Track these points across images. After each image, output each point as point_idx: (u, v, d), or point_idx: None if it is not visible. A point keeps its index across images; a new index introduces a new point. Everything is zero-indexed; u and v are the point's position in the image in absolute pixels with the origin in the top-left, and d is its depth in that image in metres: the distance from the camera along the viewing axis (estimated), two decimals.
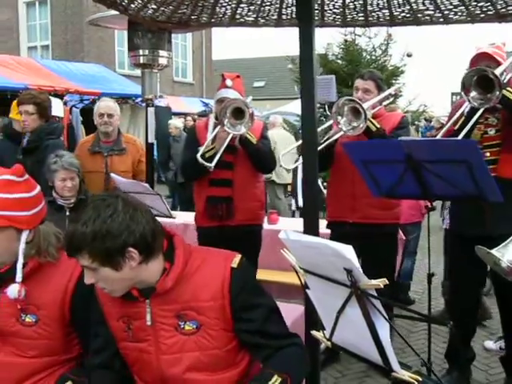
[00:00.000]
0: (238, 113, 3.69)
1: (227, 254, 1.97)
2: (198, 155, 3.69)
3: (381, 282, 1.25)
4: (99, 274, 1.78)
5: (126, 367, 2.06)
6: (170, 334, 1.90)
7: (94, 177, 4.51)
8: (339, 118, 3.47)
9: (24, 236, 2.11)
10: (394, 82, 11.32)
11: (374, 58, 11.30)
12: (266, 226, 4.70)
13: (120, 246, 1.73)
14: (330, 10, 3.06)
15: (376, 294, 1.30)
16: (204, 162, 3.69)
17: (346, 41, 11.04)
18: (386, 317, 1.33)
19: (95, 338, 2.08)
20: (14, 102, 4.70)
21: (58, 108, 8.18)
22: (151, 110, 4.04)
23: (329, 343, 1.63)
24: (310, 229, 2.25)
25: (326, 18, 3.10)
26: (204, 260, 1.93)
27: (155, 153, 7.89)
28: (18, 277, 2.11)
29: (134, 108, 10.27)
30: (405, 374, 1.29)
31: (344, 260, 1.35)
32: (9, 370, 2.19)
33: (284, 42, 8.11)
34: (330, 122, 3.79)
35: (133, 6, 2.95)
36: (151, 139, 4.04)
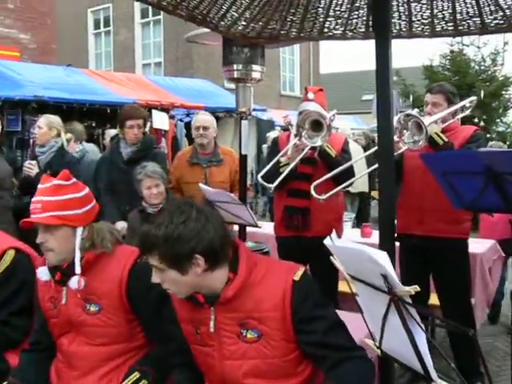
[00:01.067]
0: (317, 125, 3.79)
1: (291, 266, 2.03)
2: (259, 176, 3.90)
3: (412, 289, 1.25)
4: (166, 275, 1.89)
5: None
6: (233, 341, 1.99)
7: (193, 187, 4.72)
8: (404, 131, 3.48)
9: (79, 232, 2.33)
10: (504, 93, 10.86)
11: (482, 68, 10.91)
12: (359, 239, 4.68)
13: (188, 251, 1.84)
14: (418, 20, 3.02)
15: (410, 301, 1.30)
16: (264, 183, 3.88)
17: (451, 51, 10.73)
18: (422, 325, 1.32)
19: (172, 341, 2.21)
20: None
21: (163, 121, 8.58)
22: (245, 122, 4.15)
23: (379, 351, 1.62)
24: (386, 241, 2.23)
25: (414, 29, 3.07)
26: (268, 271, 2.00)
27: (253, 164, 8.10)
28: (77, 269, 2.33)
29: (237, 121, 10.51)
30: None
31: (379, 266, 1.35)
32: (83, 358, 2.40)
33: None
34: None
35: (223, 23, 3.06)
36: (244, 151, 4.14)
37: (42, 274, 2.42)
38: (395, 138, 3.61)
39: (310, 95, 3.96)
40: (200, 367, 2.15)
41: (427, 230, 3.77)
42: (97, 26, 21.62)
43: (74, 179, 2.41)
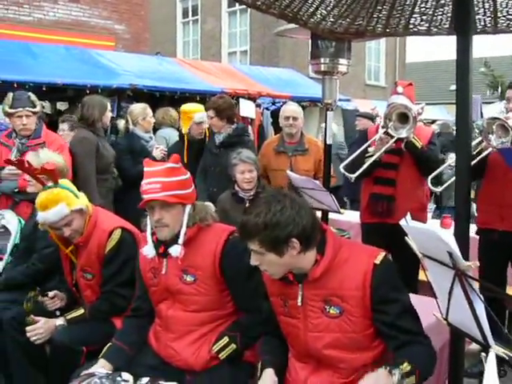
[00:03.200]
0: (403, 118, 3.93)
1: (373, 250, 2.25)
2: (341, 166, 4.10)
3: (472, 264, 1.43)
4: (264, 258, 2.14)
5: None
6: (317, 315, 2.22)
7: (279, 175, 5.00)
8: (489, 135, 3.53)
9: (187, 209, 2.63)
10: None
11: None
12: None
13: (285, 236, 2.08)
14: (504, 16, 3.09)
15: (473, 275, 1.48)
16: (345, 173, 4.07)
17: None
18: (481, 296, 1.49)
19: (259, 312, 2.50)
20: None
21: (250, 110, 8.83)
22: (330, 113, 4.31)
23: (445, 322, 1.80)
24: (461, 234, 2.35)
25: (499, 25, 3.14)
26: (351, 254, 2.22)
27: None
28: (181, 240, 2.63)
29: (322, 111, 10.63)
30: (498, 350, 1.44)
31: (445, 244, 1.52)
32: (178, 322, 2.69)
33: (480, 44, 7.91)
34: (478, 139, 3.84)
35: (312, 20, 3.24)
36: (329, 141, 4.32)
37: (148, 251, 2.73)
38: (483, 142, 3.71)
39: (399, 89, 4.12)
40: (286, 336, 2.40)
41: (509, 226, 3.82)
42: (185, 14, 22.14)
43: (180, 163, 2.71)
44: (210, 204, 4.65)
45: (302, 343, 2.29)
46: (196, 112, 5.58)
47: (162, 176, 2.58)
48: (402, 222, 1.74)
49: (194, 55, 21.53)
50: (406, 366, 1.97)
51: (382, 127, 4.07)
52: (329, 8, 3.17)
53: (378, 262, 2.15)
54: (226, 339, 2.64)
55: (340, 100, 10.87)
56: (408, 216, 1.74)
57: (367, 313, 2.15)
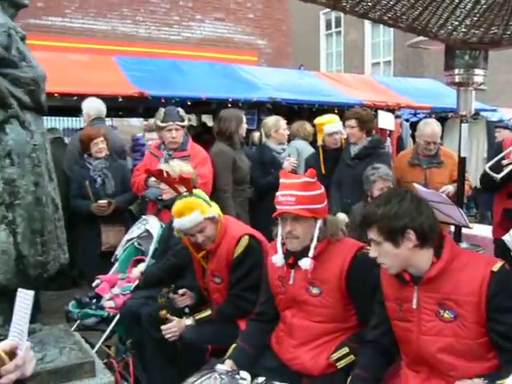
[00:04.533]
0: None
1: (491, 259, 2.24)
2: (487, 166, 3.86)
3: None
4: (382, 248, 2.21)
5: (393, 345, 2.43)
6: (431, 319, 2.23)
7: (413, 187, 4.91)
8: None
9: (319, 223, 2.70)
10: None
11: None
12: None
13: (402, 226, 2.17)
14: None
15: None
16: (490, 173, 3.85)
17: None
18: None
19: (373, 316, 2.50)
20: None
21: (388, 121, 8.74)
22: (465, 126, 4.17)
23: None
24: None
25: None
26: (469, 260, 2.23)
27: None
28: (311, 253, 2.71)
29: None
30: None
31: None
32: (302, 330, 2.79)
33: None
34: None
35: (442, 31, 3.22)
36: (464, 153, 4.19)
37: (277, 260, 2.85)
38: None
39: None
40: (399, 343, 2.41)
41: None
42: (328, 26, 22.30)
43: (316, 177, 2.81)
44: (342, 217, 4.71)
45: (414, 348, 2.31)
46: (327, 124, 5.66)
47: (298, 189, 2.69)
48: (506, 237, 1.71)
49: (337, 66, 21.61)
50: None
51: None
52: (460, 18, 3.12)
53: (495, 269, 2.15)
54: (346, 349, 2.70)
55: (485, 110, 10.42)
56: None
57: (482, 320, 2.13)
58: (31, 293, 1.55)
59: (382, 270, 2.40)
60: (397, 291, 2.35)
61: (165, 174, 3.48)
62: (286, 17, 14.09)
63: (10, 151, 2.97)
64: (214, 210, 3.43)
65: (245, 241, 3.34)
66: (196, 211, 3.29)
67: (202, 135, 9.00)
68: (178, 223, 3.37)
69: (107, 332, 4.25)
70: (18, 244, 2.99)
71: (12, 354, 1.46)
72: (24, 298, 1.54)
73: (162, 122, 5.05)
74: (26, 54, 3.10)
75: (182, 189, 3.48)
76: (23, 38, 3.16)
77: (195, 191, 3.44)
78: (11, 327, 1.55)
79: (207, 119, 10.56)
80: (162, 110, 5.17)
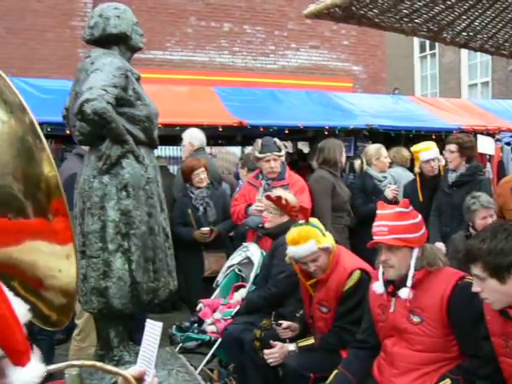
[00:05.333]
0: None
1: None
2: None
3: None
4: (486, 284, 2.19)
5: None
6: None
7: None
8: None
9: (415, 252, 2.70)
10: None
11: None
12: None
13: (508, 263, 2.13)
14: None
15: None
16: None
17: None
18: None
19: (482, 354, 2.47)
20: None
21: (488, 146, 8.50)
22: None
23: None
24: None
25: None
26: None
27: None
28: (409, 282, 2.73)
29: None
30: None
31: None
32: (403, 359, 2.80)
33: None
34: None
35: None
36: None
37: (377, 287, 2.90)
38: None
39: None
40: (507, 381, 2.36)
41: None
42: (422, 49, 21.97)
43: (411, 207, 2.84)
44: (437, 244, 4.66)
45: None
46: (423, 151, 5.64)
47: (390, 220, 2.74)
48: None
49: (433, 89, 21.22)
50: None
51: None
52: None
53: None
54: (447, 381, 2.67)
55: None
56: None
57: None
58: (160, 324, 1.67)
59: (486, 305, 2.37)
60: (502, 327, 2.31)
61: (283, 202, 3.57)
62: (380, 42, 14.05)
63: (127, 184, 3.19)
64: (329, 240, 3.48)
65: (356, 275, 3.38)
66: (311, 240, 3.36)
67: (297, 162, 9.13)
68: (292, 251, 3.45)
69: (208, 355, 4.39)
70: (132, 271, 3.19)
71: (140, 380, 1.58)
72: (152, 329, 1.67)
73: (260, 152, 5.20)
74: (141, 93, 3.34)
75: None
76: (138, 79, 3.40)
77: (311, 220, 3.51)
78: (139, 354, 1.68)
79: (303, 146, 10.67)
80: (259, 142, 5.33)
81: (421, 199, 5.45)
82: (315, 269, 3.43)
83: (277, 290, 4.16)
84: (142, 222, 3.23)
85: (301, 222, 3.47)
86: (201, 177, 5.61)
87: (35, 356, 1.33)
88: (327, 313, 3.49)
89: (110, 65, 3.15)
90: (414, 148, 5.88)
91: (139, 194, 3.23)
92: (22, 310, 1.33)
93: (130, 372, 1.58)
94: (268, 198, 3.86)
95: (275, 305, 4.15)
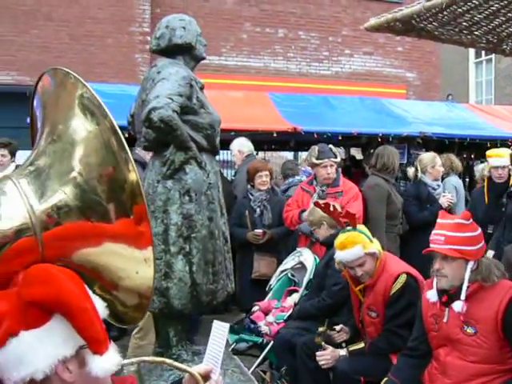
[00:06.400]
0: None
1: None
2: None
3: None
4: None
5: None
6: None
7: None
8: None
9: (470, 265, 2.72)
10: None
11: None
12: None
13: None
14: None
15: None
16: None
17: None
18: None
19: None
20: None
21: None
22: None
23: None
24: None
25: None
26: None
27: None
28: (463, 295, 2.75)
29: None
30: None
31: None
32: (456, 370, 2.83)
33: None
34: None
35: None
36: None
37: (431, 295, 2.94)
38: None
39: None
40: None
41: None
42: (478, 54, 21.56)
43: (472, 219, 2.87)
44: (489, 254, 4.64)
45: None
46: (493, 156, 5.76)
47: (449, 230, 2.78)
48: None
49: (487, 96, 20.81)
50: None
51: None
52: None
53: None
54: None
55: None
56: None
57: None
58: (227, 325, 1.76)
59: None
60: None
61: (331, 208, 3.67)
62: (435, 48, 13.88)
63: (189, 189, 3.32)
64: (376, 246, 3.57)
65: (403, 278, 3.44)
66: (358, 245, 3.45)
67: (350, 168, 9.15)
68: (339, 255, 3.55)
69: (261, 357, 4.49)
70: (192, 273, 3.32)
71: (206, 377, 1.66)
72: (219, 329, 1.76)
73: (317, 159, 5.27)
74: (204, 101, 3.46)
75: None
76: (202, 88, 3.53)
77: (358, 226, 3.60)
78: (206, 353, 1.77)
79: (356, 152, 10.67)
80: (315, 148, 5.40)
81: (486, 202, 5.54)
82: (362, 273, 3.51)
83: (331, 301, 4.23)
84: (203, 225, 3.34)
85: (349, 228, 3.56)
86: (264, 179, 5.73)
87: (112, 347, 1.43)
88: (376, 317, 3.56)
89: (175, 74, 3.28)
90: (488, 152, 5.98)
91: (201, 198, 3.35)
92: (100, 308, 1.45)
93: (196, 369, 1.65)
94: (316, 204, 3.96)
95: (327, 315, 4.21)
